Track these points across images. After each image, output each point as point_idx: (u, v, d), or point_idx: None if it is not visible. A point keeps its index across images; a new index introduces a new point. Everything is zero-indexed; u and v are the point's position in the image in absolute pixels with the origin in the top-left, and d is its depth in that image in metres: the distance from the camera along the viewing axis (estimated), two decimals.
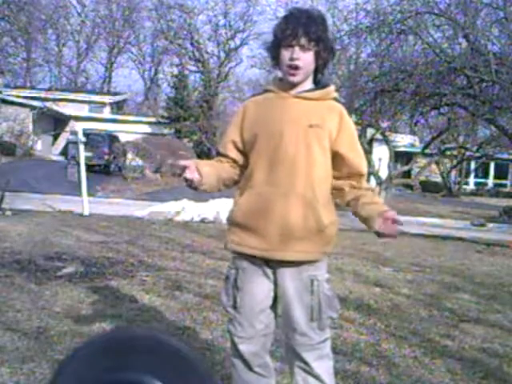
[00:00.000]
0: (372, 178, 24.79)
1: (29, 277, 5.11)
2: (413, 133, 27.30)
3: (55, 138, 29.05)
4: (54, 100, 29.90)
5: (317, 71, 2.24)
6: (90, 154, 18.81)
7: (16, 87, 31.53)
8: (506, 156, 30.63)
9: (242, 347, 2.26)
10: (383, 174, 23.18)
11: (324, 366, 2.22)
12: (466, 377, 3.40)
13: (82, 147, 10.87)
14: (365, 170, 2.25)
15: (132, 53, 44.43)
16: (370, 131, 23.38)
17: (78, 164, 10.98)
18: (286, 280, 2.18)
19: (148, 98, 43.36)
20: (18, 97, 26.89)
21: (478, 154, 29.58)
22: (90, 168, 15.10)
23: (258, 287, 2.23)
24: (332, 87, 2.29)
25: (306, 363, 2.19)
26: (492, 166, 34.19)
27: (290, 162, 2.16)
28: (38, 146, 26.55)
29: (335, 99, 2.26)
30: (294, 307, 2.18)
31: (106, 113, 32.78)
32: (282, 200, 2.16)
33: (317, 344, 2.19)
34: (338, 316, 2.22)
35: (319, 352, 2.20)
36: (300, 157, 2.16)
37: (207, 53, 36.04)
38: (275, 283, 2.22)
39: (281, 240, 2.15)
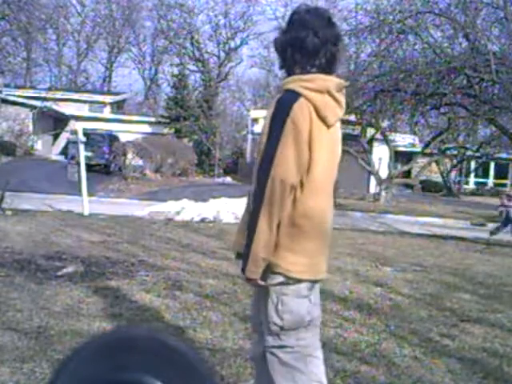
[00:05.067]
0: (372, 177, 24.84)
1: (29, 276, 5.11)
2: (413, 133, 27.28)
3: (55, 137, 29.03)
4: (55, 100, 29.88)
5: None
6: (90, 154, 18.80)
7: (16, 87, 31.53)
8: (506, 156, 30.65)
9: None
10: (383, 173, 23.20)
11: (278, 373, 2.21)
12: (466, 377, 3.40)
13: (81, 147, 10.86)
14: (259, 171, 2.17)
15: (132, 52, 44.47)
16: (370, 131, 23.41)
17: (78, 164, 10.98)
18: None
19: (148, 97, 43.35)
20: (19, 96, 26.87)
21: (477, 154, 29.61)
22: (90, 168, 15.10)
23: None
24: (291, 77, 2.21)
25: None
26: (492, 165, 34.20)
27: None
28: (38, 145, 26.53)
29: (288, 90, 2.16)
30: (262, 309, 2.24)
31: (106, 112, 32.75)
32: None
33: (271, 348, 2.20)
34: (281, 327, 2.19)
35: (274, 357, 2.20)
36: None
37: (207, 52, 36.08)
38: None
39: None
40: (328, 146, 2.18)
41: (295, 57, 2.19)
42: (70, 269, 5.52)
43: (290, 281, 2.15)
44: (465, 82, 11.86)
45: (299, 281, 2.16)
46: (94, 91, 38.86)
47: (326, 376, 3.25)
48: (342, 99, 2.25)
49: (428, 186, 30.45)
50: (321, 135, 2.13)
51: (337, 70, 2.28)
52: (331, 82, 2.19)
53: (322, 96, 2.15)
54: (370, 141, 24.26)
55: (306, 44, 2.17)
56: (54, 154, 28.22)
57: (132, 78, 65.66)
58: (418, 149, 26.15)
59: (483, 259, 8.65)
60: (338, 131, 2.28)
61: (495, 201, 26.79)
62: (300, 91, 2.11)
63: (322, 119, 2.13)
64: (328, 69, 2.21)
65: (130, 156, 22.20)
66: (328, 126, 2.16)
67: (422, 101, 12.47)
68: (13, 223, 8.44)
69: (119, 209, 11.94)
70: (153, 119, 31.27)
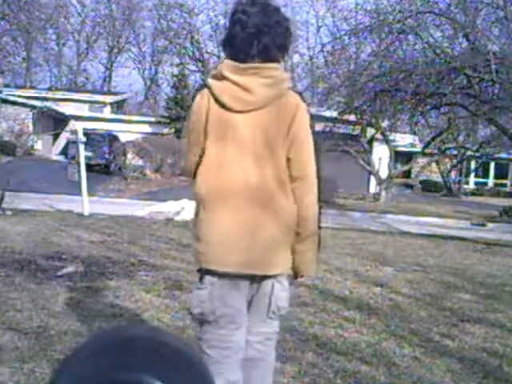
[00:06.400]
0: (372, 177, 24.85)
1: (29, 276, 5.11)
2: (413, 133, 27.29)
3: (55, 137, 29.02)
4: (55, 100, 29.87)
5: None
6: (90, 154, 18.81)
7: (16, 87, 31.53)
8: (506, 156, 30.65)
9: None
10: (383, 173, 23.21)
11: None
12: (466, 377, 3.40)
13: (82, 147, 10.86)
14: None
15: (132, 52, 44.45)
16: (370, 131, 23.41)
17: (78, 164, 10.97)
18: None
19: (148, 97, 43.34)
20: (19, 96, 26.87)
21: (477, 154, 29.61)
22: (90, 168, 15.09)
23: None
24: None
25: None
26: (492, 165, 34.19)
27: None
28: (38, 145, 26.53)
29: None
30: None
31: (106, 112, 32.74)
32: None
33: None
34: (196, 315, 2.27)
35: None
36: None
37: (207, 52, 36.06)
38: None
39: None
40: (227, 132, 2.07)
41: (230, 52, 2.16)
42: (70, 269, 5.51)
43: (203, 272, 2.27)
44: (465, 81, 11.86)
45: (207, 273, 2.25)
46: (94, 91, 38.83)
47: (326, 376, 3.25)
48: (247, 81, 2.06)
49: (428, 186, 30.44)
50: (220, 123, 2.07)
51: (278, 56, 2.14)
52: (225, 65, 2.10)
53: (220, 82, 2.10)
54: (370, 141, 24.25)
55: (233, 39, 2.13)
56: (54, 154, 28.20)
57: (132, 78, 65.65)
58: (418, 149, 26.14)
59: (483, 259, 8.65)
60: (265, 117, 2.08)
61: (495, 201, 26.82)
62: (206, 81, 2.19)
63: (221, 105, 2.08)
64: (267, 57, 2.10)
65: (129, 156, 22.19)
66: (236, 112, 2.07)
67: (422, 101, 12.47)
68: (13, 223, 8.43)
69: (119, 209, 11.94)
70: (153, 119, 31.24)
